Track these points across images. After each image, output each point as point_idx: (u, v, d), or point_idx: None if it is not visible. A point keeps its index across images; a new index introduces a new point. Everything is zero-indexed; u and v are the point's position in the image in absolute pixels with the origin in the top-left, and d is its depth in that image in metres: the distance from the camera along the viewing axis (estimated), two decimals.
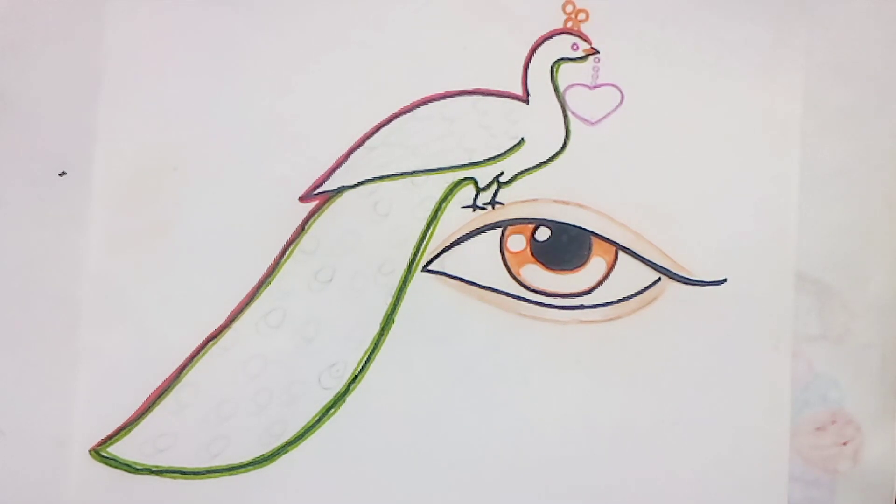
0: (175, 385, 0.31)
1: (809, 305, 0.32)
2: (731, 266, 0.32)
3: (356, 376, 0.32)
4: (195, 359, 0.32)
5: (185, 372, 0.31)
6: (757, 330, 0.32)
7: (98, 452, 0.31)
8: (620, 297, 0.32)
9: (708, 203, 0.33)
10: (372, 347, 0.32)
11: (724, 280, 0.32)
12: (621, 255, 0.33)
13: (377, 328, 0.32)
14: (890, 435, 0.32)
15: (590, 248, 0.33)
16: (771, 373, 0.32)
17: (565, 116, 0.33)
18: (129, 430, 0.31)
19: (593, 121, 0.33)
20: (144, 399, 0.31)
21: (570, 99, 0.33)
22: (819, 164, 0.33)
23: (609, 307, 0.32)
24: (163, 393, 0.31)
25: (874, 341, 0.32)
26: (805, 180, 0.33)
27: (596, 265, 0.33)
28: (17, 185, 0.32)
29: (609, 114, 0.33)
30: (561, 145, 0.33)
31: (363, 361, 0.32)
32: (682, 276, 0.33)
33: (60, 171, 0.32)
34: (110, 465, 0.31)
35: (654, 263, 0.32)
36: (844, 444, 0.32)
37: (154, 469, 0.31)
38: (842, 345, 0.32)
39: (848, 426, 0.32)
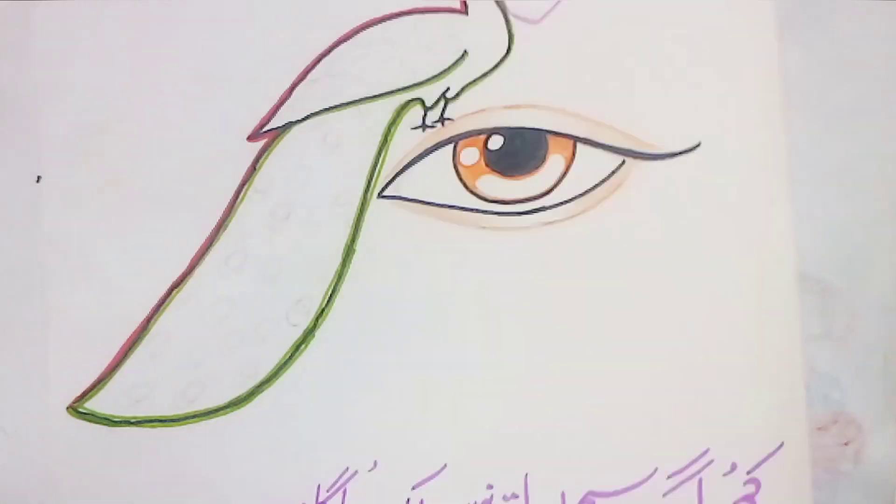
0: (144, 336, 0.32)
1: (812, 305, 0.31)
2: (704, 130, 0.30)
3: (323, 310, 0.31)
4: (161, 308, 0.32)
5: (152, 322, 0.32)
6: (749, 188, 0.30)
7: (75, 409, 0.32)
8: (582, 191, 0.31)
9: (670, 73, 0.31)
10: (336, 279, 0.32)
11: (699, 145, 0.30)
12: (580, 146, 0.31)
13: (339, 260, 0.32)
14: (892, 435, 0.31)
15: (546, 148, 0.31)
16: (773, 225, 0.30)
17: (507, 20, 0.32)
18: (104, 384, 0.32)
19: (536, 19, 0.32)
20: (116, 352, 0.32)
21: (509, 1, 0.32)
22: (820, 160, 0.31)
23: (572, 203, 0.31)
24: (133, 344, 0.32)
25: (877, 341, 0.31)
26: (805, 177, 0.31)
27: (554, 163, 0.31)
28: None
29: (552, 9, 0.32)
30: (505, 50, 0.32)
31: (328, 294, 0.32)
32: (647, 153, 0.31)
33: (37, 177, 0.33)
34: (89, 420, 0.32)
35: (615, 147, 0.31)
36: (846, 444, 0.31)
37: (133, 420, 0.32)
38: (844, 345, 0.31)
39: (850, 426, 0.31)
